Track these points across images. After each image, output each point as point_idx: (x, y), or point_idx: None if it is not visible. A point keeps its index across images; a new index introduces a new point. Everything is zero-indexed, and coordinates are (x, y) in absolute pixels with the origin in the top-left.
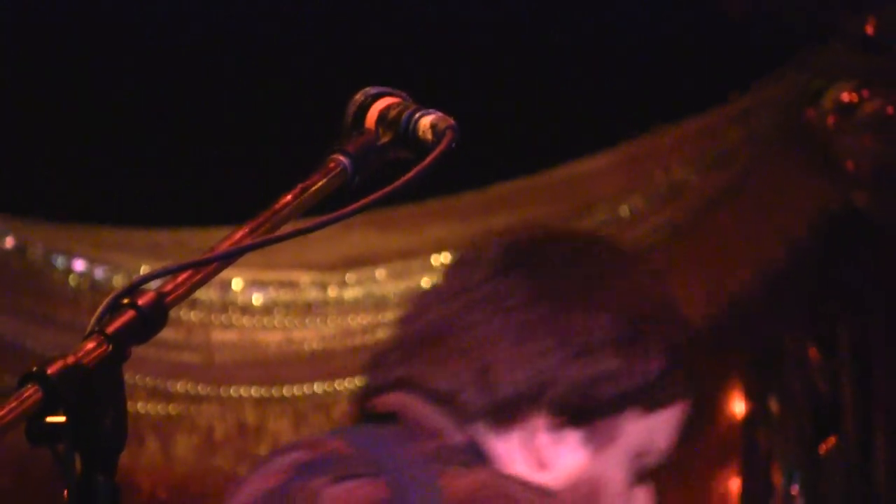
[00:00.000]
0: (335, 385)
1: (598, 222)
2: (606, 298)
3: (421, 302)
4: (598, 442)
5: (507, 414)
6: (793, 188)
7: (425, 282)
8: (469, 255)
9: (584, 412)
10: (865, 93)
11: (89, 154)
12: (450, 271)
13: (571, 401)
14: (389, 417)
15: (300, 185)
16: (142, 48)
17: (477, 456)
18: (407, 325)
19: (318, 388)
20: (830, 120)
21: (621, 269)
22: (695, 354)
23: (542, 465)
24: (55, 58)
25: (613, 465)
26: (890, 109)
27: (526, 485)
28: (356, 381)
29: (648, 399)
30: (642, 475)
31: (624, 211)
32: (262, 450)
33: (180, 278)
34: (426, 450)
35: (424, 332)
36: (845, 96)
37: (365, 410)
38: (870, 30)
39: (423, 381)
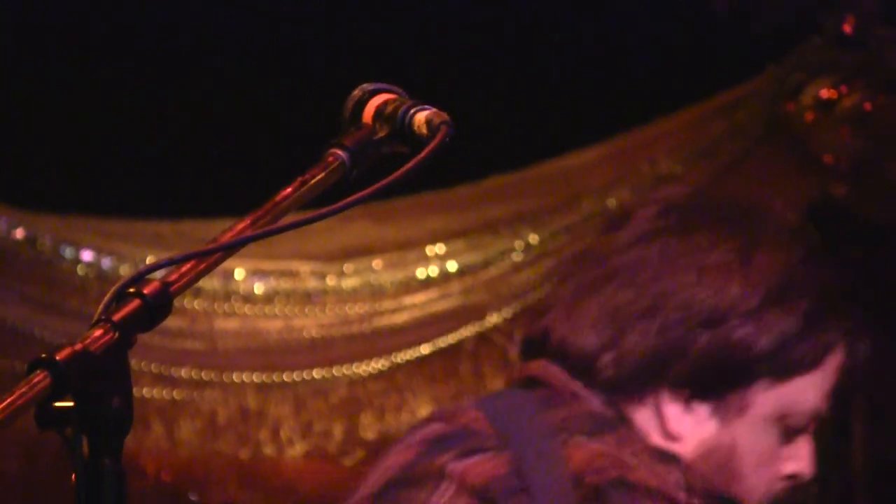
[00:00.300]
0: (333, 371)
1: (587, 214)
2: (737, 269)
3: (568, 267)
4: (727, 413)
5: (636, 385)
6: (774, 180)
7: (421, 272)
8: (617, 222)
9: (710, 385)
10: (844, 89)
11: (96, 148)
12: (599, 237)
13: (697, 374)
14: (536, 383)
15: (300, 179)
16: (144, 45)
17: (618, 423)
18: (555, 291)
19: (317, 374)
20: (810, 115)
21: (755, 238)
22: (832, 318)
23: (672, 436)
24: (60, 56)
25: (748, 433)
26: (867, 105)
27: (645, 453)
28: (354, 368)
29: (780, 368)
30: (792, 434)
31: (612, 203)
32: (263, 434)
33: (184, 268)
34: (559, 417)
35: (568, 299)
36: (824, 92)
37: (519, 373)
38: (848, 28)
39: (563, 349)
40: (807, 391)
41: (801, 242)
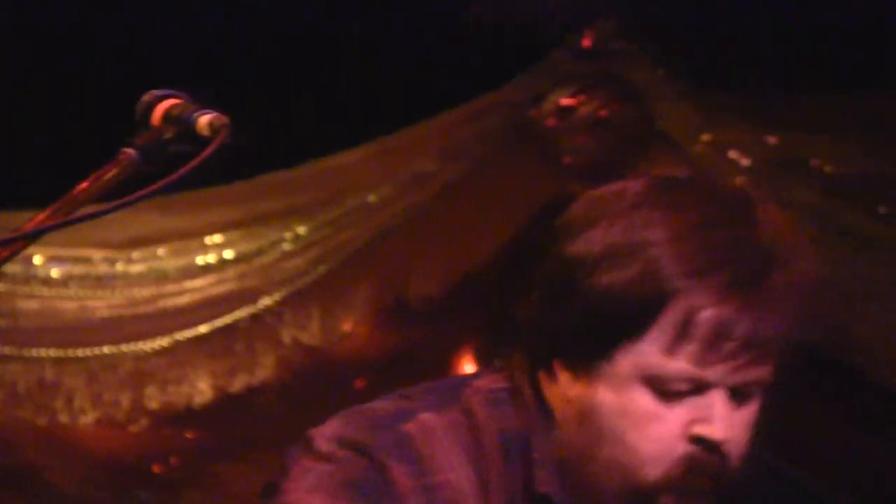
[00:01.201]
0: (122, 347)
1: (351, 208)
2: (589, 230)
3: None
4: (591, 375)
5: (539, 356)
6: (519, 179)
7: (200, 259)
8: None
9: (580, 349)
10: (582, 97)
11: None
12: None
13: (568, 341)
14: None
15: (95, 175)
16: None
17: (511, 398)
18: None
19: (107, 350)
20: (551, 120)
21: (641, 202)
22: (663, 277)
23: (569, 401)
24: None
25: (612, 394)
26: (603, 112)
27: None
28: (140, 345)
29: (621, 328)
30: (671, 395)
31: (373, 198)
32: (59, 403)
33: None
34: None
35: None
36: (564, 100)
37: None
38: (587, 42)
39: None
40: (650, 350)
41: (694, 212)
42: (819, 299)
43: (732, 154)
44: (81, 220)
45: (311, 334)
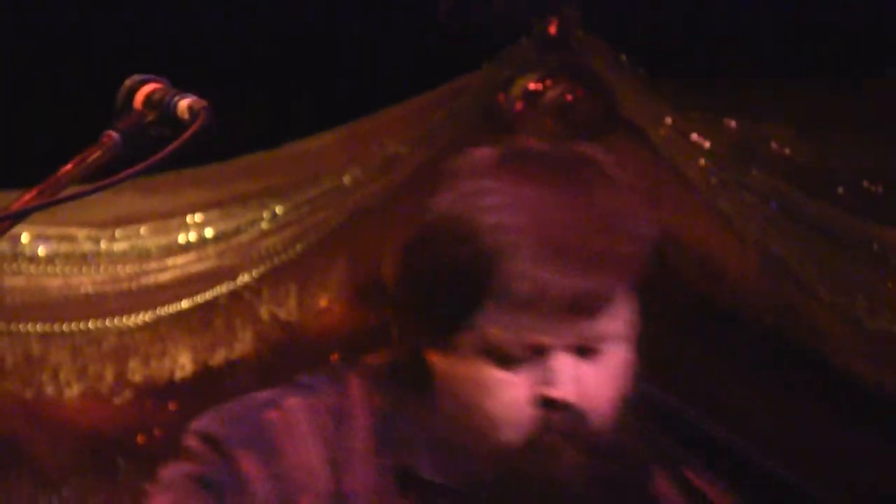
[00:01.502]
0: (106, 322)
1: (325, 189)
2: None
3: None
4: (446, 351)
5: (408, 337)
6: None
7: (181, 237)
8: None
9: (428, 330)
10: (548, 83)
11: None
12: None
13: (421, 323)
14: None
15: (79, 156)
16: None
17: (393, 373)
18: None
19: (91, 325)
20: (518, 105)
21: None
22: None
23: (433, 379)
24: None
25: (461, 365)
26: (568, 97)
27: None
28: (123, 320)
29: (457, 305)
30: (509, 361)
31: (346, 180)
32: (45, 377)
33: None
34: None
35: None
36: (531, 85)
37: None
38: (552, 30)
39: None
40: (481, 321)
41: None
42: (650, 262)
43: (694, 137)
44: (66, 200)
45: (289, 310)
